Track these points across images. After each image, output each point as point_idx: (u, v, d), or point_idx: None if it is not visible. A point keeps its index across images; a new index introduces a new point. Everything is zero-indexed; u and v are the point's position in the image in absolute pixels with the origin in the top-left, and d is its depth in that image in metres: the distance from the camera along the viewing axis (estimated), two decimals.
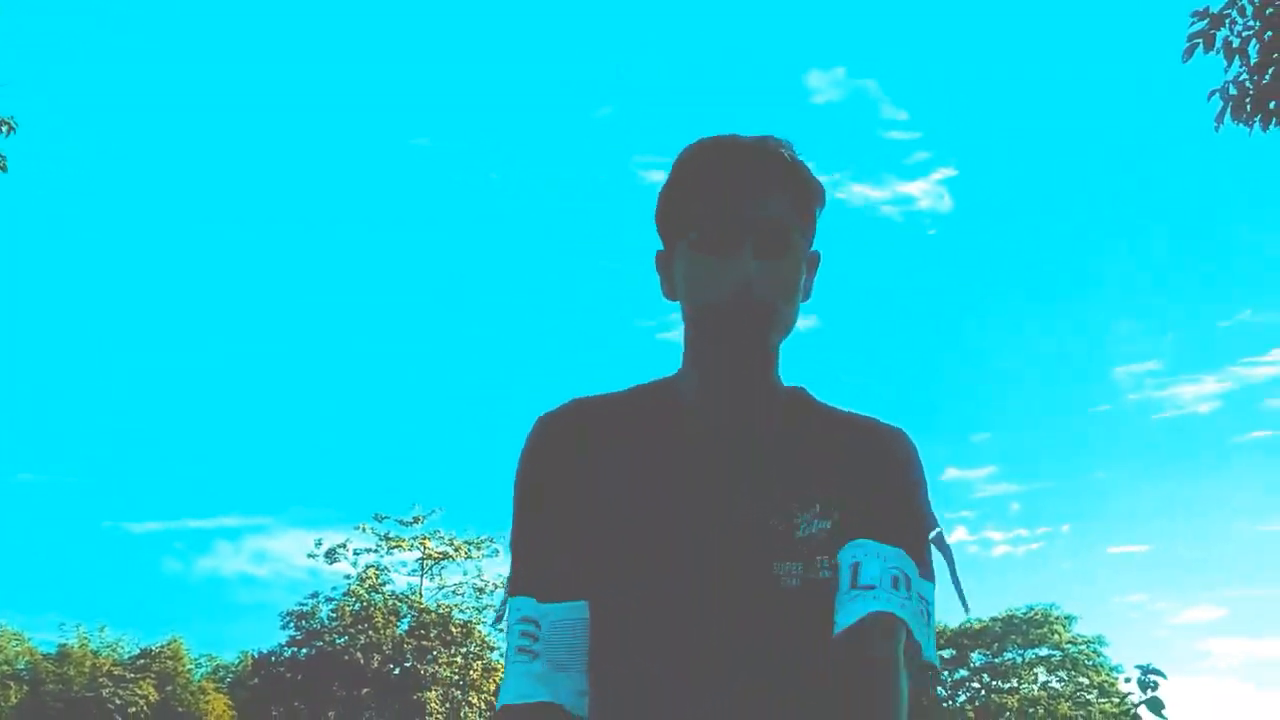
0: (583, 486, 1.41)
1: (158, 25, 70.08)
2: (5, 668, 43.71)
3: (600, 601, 1.38)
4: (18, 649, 44.75)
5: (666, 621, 1.35)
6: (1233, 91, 7.17)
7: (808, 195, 1.43)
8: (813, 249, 1.47)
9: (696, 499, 1.38)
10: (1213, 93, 7.24)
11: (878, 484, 1.42)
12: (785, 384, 1.48)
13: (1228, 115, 7.19)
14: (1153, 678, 5.82)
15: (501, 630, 1.45)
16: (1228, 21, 7.14)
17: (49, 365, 65.98)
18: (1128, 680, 5.90)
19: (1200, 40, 7.17)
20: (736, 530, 1.37)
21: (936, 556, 1.44)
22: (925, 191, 66.69)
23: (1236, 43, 7.12)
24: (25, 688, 42.92)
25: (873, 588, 1.34)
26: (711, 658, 1.33)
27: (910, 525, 1.42)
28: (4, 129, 8.00)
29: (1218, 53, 7.16)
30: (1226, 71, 7.18)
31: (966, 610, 1.49)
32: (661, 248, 1.49)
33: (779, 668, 1.34)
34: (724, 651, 1.34)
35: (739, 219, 1.37)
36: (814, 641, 1.35)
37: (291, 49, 70.22)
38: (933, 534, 1.44)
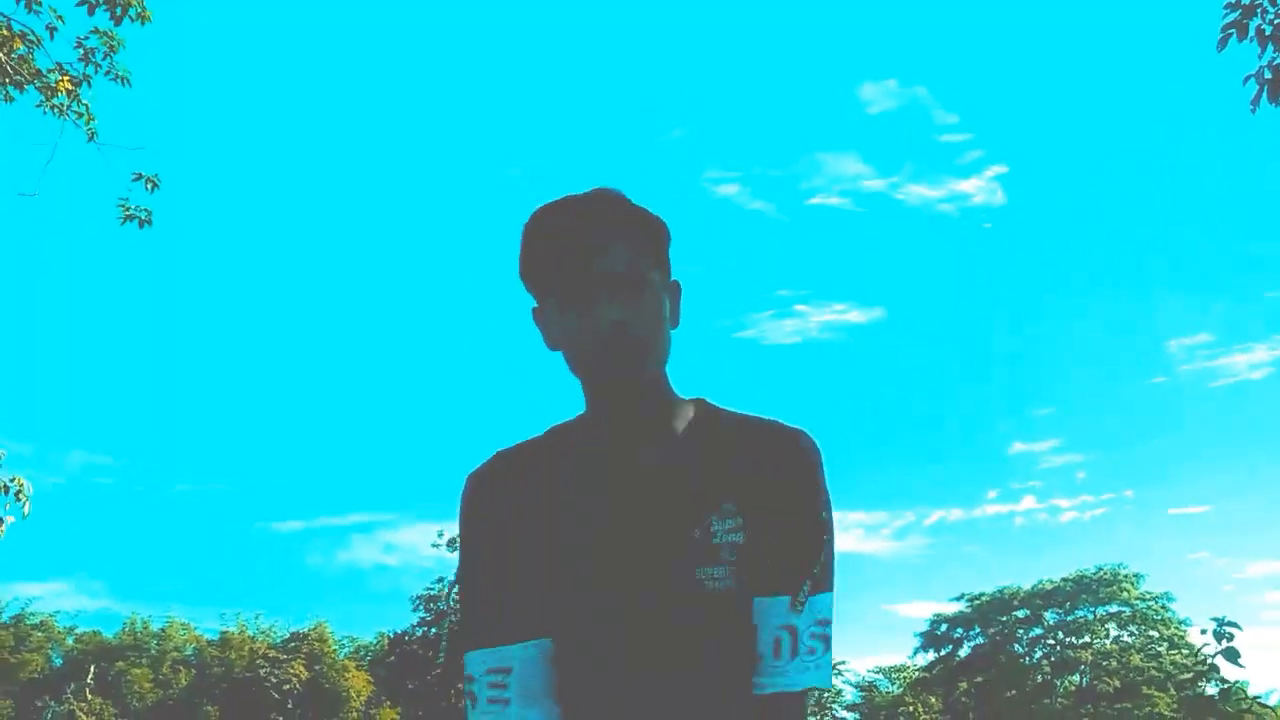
0: (516, 532, 1.42)
1: (267, 66, 71.89)
2: (175, 653, 45.20)
3: (557, 632, 1.38)
4: (185, 637, 46.24)
5: (612, 638, 1.36)
6: (1268, 75, 6.91)
7: (650, 234, 1.44)
8: (671, 279, 1.48)
9: (619, 523, 1.38)
10: (1248, 77, 6.99)
11: (781, 494, 1.41)
12: (686, 396, 1.49)
13: (1264, 98, 6.94)
14: (1228, 629, 5.63)
15: (461, 685, 1.45)
16: (1259, 10, 6.90)
17: (195, 391, 68.20)
18: (1203, 632, 5.71)
19: (1234, 29, 6.93)
20: (660, 544, 1.37)
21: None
22: (979, 188, 65.34)
23: (1269, 30, 6.87)
24: (193, 670, 44.37)
25: (760, 660, 1.37)
26: (653, 662, 1.35)
27: (799, 546, 1.41)
28: (149, 185, 8.29)
29: (1251, 40, 6.91)
30: (1260, 57, 6.93)
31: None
32: (534, 304, 1.48)
33: (715, 664, 1.36)
34: (664, 654, 1.35)
35: (591, 273, 1.37)
36: (736, 643, 1.38)
37: (401, 92, 71.48)
38: (824, 538, 1.42)
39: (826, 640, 1.39)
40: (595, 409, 1.46)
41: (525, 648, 1.37)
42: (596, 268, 1.37)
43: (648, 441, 1.43)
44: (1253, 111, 6.99)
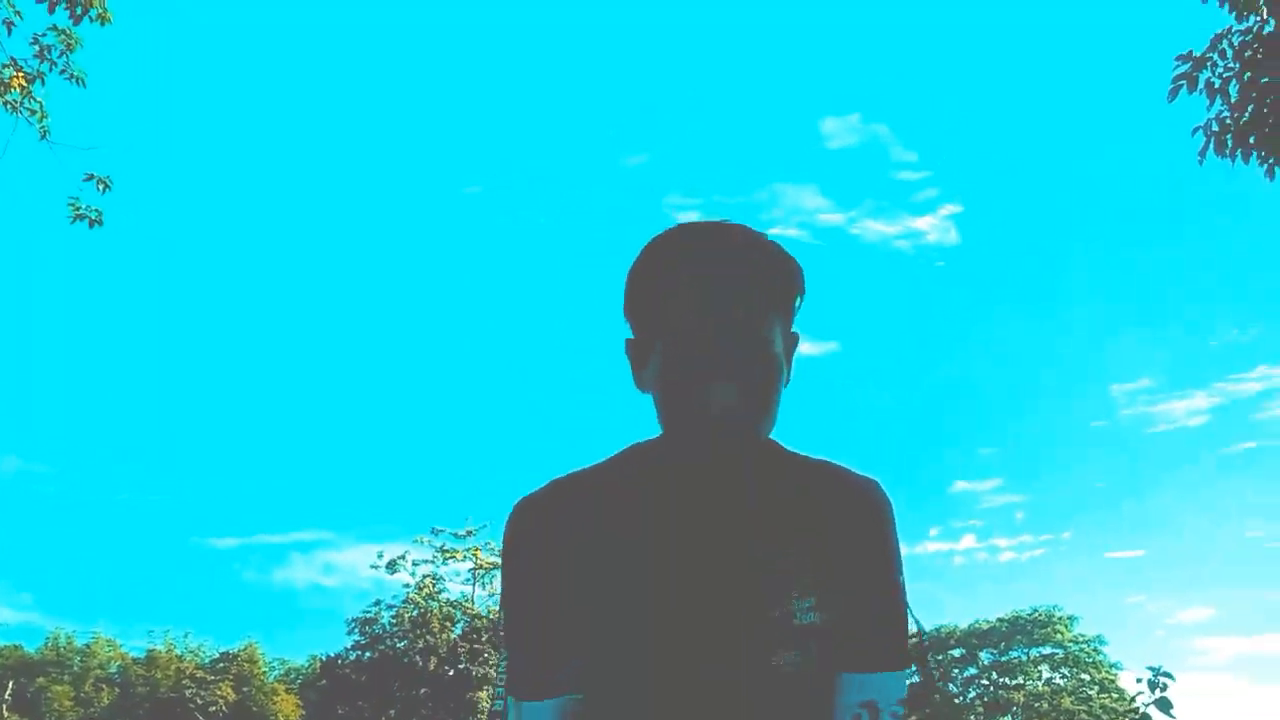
0: (564, 576, 1.28)
1: (230, 77, 71.21)
2: (99, 671, 43.98)
3: (600, 693, 1.28)
4: (110, 654, 45.06)
5: (667, 710, 1.26)
6: (1215, 128, 7.10)
7: (788, 287, 1.27)
8: (792, 330, 1.31)
9: (690, 587, 1.27)
10: (1196, 129, 7.17)
11: (859, 557, 1.33)
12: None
13: (1210, 149, 7.13)
14: (1162, 679, 5.74)
15: None
16: (1209, 64, 7.10)
17: (140, 400, 66.81)
18: (1138, 680, 5.80)
19: (1184, 81, 7.12)
20: (736, 621, 1.27)
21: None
22: (934, 226, 66.60)
23: (1218, 83, 7.06)
24: (117, 689, 43.14)
25: None
26: None
27: (881, 619, 1.34)
28: (101, 186, 8.14)
29: (1200, 92, 7.10)
30: (1209, 109, 7.12)
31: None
32: (632, 336, 1.32)
33: None
34: None
35: (712, 332, 1.21)
36: (815, 717, 1.31)
37: (361, 109, 71.12)
38: (905, 609, 1.36)
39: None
40: (674, 449, 1.29)
41: (555, 704, 1.29)
42: (719, 327, 1.20)
43: (733, 498, 1.30)
44: (1200, 163, 7.18)
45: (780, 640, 1.27)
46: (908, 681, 1.33)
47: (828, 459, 1.39)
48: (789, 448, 1.38)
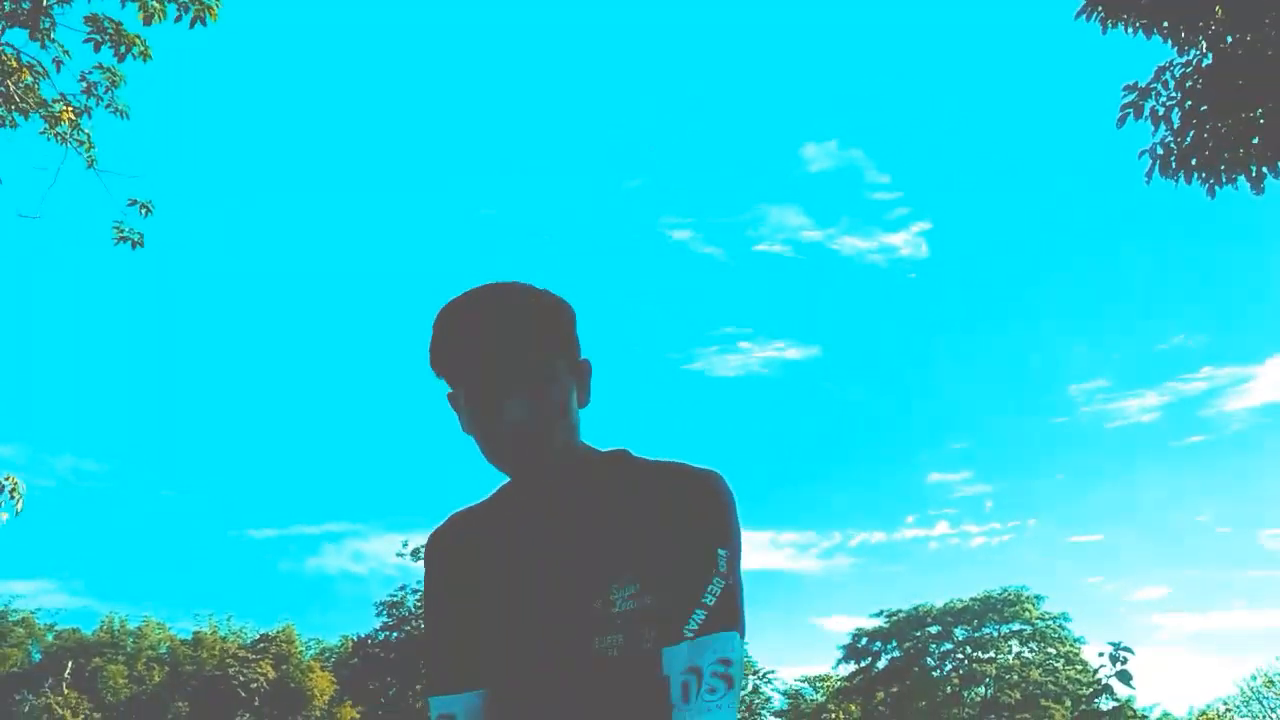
0: (461, 589, 1.44)
1: (259, 107, 71.40)
2: (150, 651, 43.94)
3: (490, 688, 1.40)
4: (160, 636, 45.00)
5: (519, 700, 1.37)
6: (1160, 152, 7.10)
7: (554, 324, 1.36)
8: (581, 359, 1.41)
9: (531, 589, 1.38)
10: (1142, 152, 7.18)
11: (679, 538, 1.33)
12: (601, 451, 1.44)
13: (1156, 171, 7.13)
14: (1123, 654, 5.74)
15: None
16: (1154, 93, 7.09)
17: (184, 403, 66.90)
18: (1100, 655, 5.81)
19: (1131, 109, 7.12)
20: (562, 613, 1.35)
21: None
22: (906, 241, 66.30)
23: (1161, 111, 7.06)
24: (166, 668, 43.14)
25: (674, 707, 1.26)
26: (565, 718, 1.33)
27: (700, 583, 1.31)
28: (143, 210, 8.15)
29: (1146, 119, 7.10)
30: (1154, 135, 7.12)
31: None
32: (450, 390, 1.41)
33: None
34: (571, 714, 1.33)
35: (495, 375, 1.31)
36: (636, 707, 1.29)
37: (381, 131, 71.27)
38: (718, 572, 1.32)
39: (729, 680, 1.26)
40: (507, 488, 1.47)
41: (466, 698, 1.40)
42: (500, 368, 1.31)
43: (556, 514, 1.40)
44: (1146, 183, 7.18)
45: (600, 626, 1.32)
46: (732, 642, 1.29)
47: (675, 460, 1.42)
48: (639, 455, 1.44)
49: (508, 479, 1.44)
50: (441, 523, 1.51)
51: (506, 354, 1.31)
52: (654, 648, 1.31)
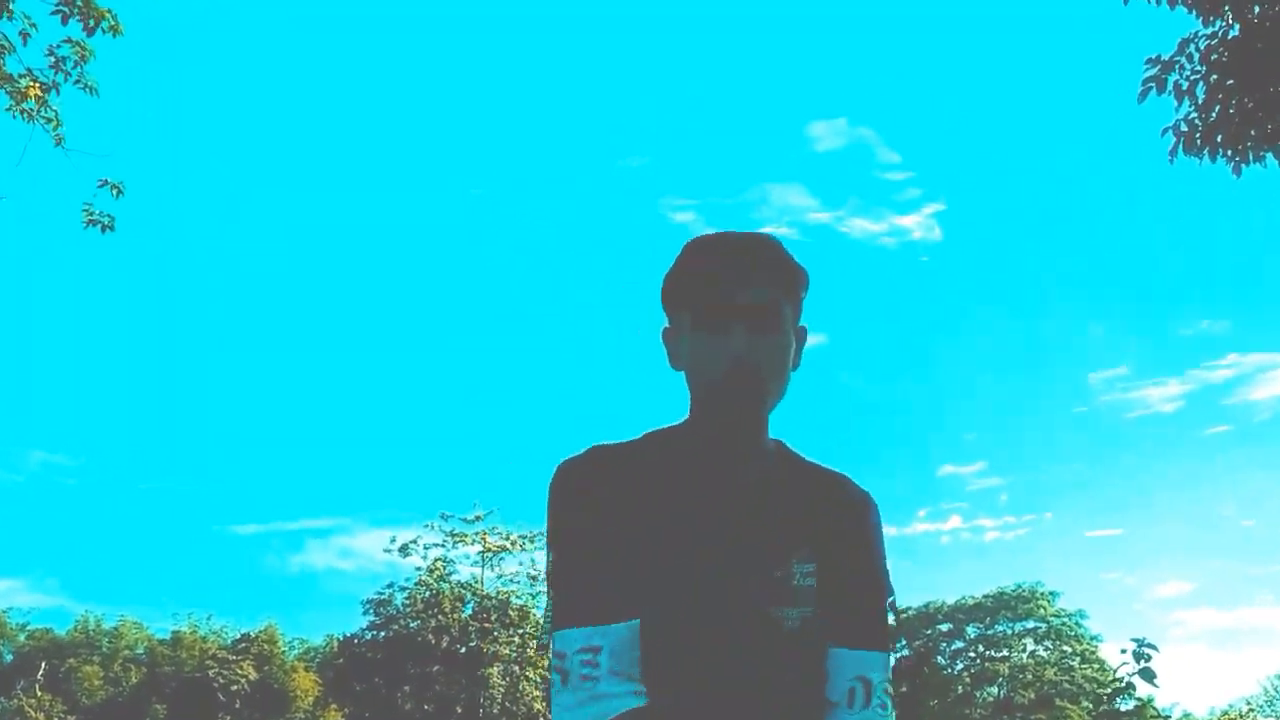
0: (611, 519, 1.37)
1: (238, 84, 71.10)
2: (127, 652, 44.13)
3: (647, 617, 1.35)
4: (137, 636, 45.19)
5: (686, 644, 1.35)
6: (1183, 128, 7.07)
7: (793, 280, 1.42)
8: (800, 324, 1.46)
9: (710, 545, 1.37)
10: (1165, 129, 7.14)
11: (853, 549, 1.45)
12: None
13: (1180, 149, 7.10)
14: (1146, 650, 5.77)
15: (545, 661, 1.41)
16: (1177, 66, 7.06)
17: (161, 393, 66.87)
18: (1123, 651, 5.84)
19: (1154, 84, 7.09)
20: (746, 576, 1.37)
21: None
22: (918, 224, 66.57)
23: (1185, 85, 7.03)
24: (144, 669, 43.28)
25: (835, 706, 1.40)
26: (730, 685, 1.35)
27: (873, 606, 1.46)
28: (114, 192, 8.12)
29: (1169, 94, 7.07)
30: (1177, 110, 7.09)
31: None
32: (667, 324, 1.47)
33: (783, 698, 1.37)
34: (740, 680, 1.35)
35: (732, 301, 1.36)
36: (809, 675, 1.40)
37: (368, 108, 70.98)
38: (889, 600, 1.48)
39: (891, 698, 1.42)
40: (700, 424, 1.44)
41: (617, 628, 1.32)
42: (740, 299, 1.36)
43: (741, 471, 1.42)
44: (1170, 162, 7.15)
45: (779, 596, 1.37)
46: (891, 665, 1.45)
47: (832, 467, 1.52)
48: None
49: (655, 428, 1.47)
50: (578, 454, 1.44)
51: (749, 286, 1.37)
52: (823, 637, 1.41)
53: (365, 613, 36.86)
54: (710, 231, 1.45)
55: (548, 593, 1.42)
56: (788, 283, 1.41)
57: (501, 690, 34.37)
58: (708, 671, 1.35)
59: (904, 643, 43.88)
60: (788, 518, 1.42)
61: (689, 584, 1.36)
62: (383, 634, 36.22)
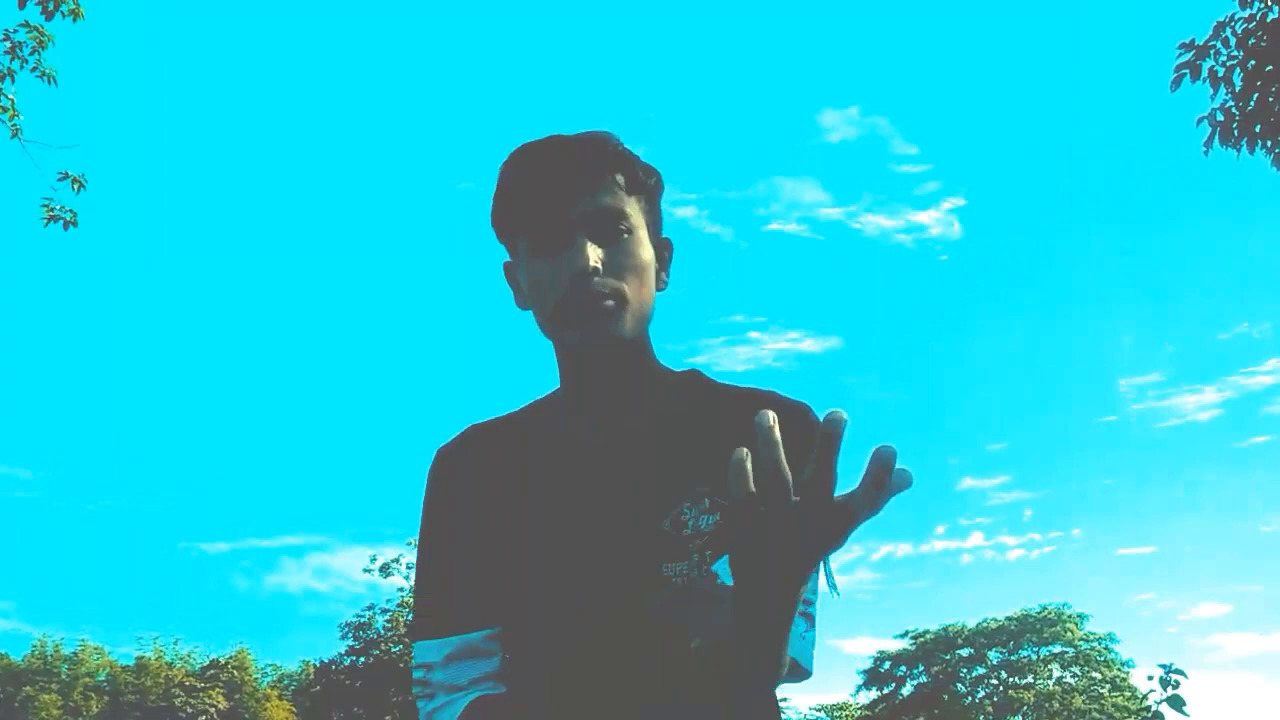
0: (474, 513, 1.31)
1: (215, 73, 71.14)
2: (87, 679, 44.00)
3: (506, 623, 1.28)
4: (99, 662, 45.07)
5: (565, 638, 1.25)
6: (1219, 118, 7.10)
7: (639, 180, 1.29)
8: (663, 235, 1.35)
9: (583, 509, 1.27)
10: (1200, 119, 7.17)
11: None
12: (674, 370, 1.36)
13: (1215, 140, 7.12)
14: (1174, 677, 5.78)
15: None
16: (1212, 52, 7.08)
17: (126, 402, 66.84)
18: (1150, 678, 5.86)
19: (1187, 70, 7.11)
20: (624, 536, 1.25)
21: None
22: (936, 220, 66.55)
23: (1221, 72, 7.05)
24: (105, 698, 43.19)
25: None
26: (608, 664, 1.23)
27: None
28: (75, 186, 8.11)
29: (1204, 81, 7.09)
30: (1212, 99, 7.12)
31: (834, 593, 1.27)
32: (507, 258, 1.36)
33: (672, 665, 1.22)
34: (620, 656, 1.23)
35: (569, 212, 1.24)
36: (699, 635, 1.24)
37: (350, 105, 71.06)
38: None
39: (810, 618, 1.27)
40: (564, 376, 1.33)
41: (460, 640, 1.28)
42: (576, 208, 1.24)
43: (619, 415, 1.31)
44: (1205, 153, 7.18)
45: (670, 551, 1.24)
46: (814, 580, 1.26)
47: (759, 387, 1.36)
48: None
49: (541, 394, 1.37)
50: (451, 438, 1.38)
51: (585, 192, 1.25)
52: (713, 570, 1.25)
53: (343, 637, 36.86)
54: (537, 139, 1.31)
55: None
56: (634, 185, 1.29)
57: None
58: (577, 666, 1.24)
59: (921, 669, 43.91)
60: (680, 457, 1.27)
61: (550, 569, 1.26)
62: (362, 659, 36.18)
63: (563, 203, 1.24)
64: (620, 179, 1.28)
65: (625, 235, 1.26)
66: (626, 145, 1.32)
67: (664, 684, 1.22)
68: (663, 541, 1.24)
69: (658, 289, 1.31)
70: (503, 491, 1.32)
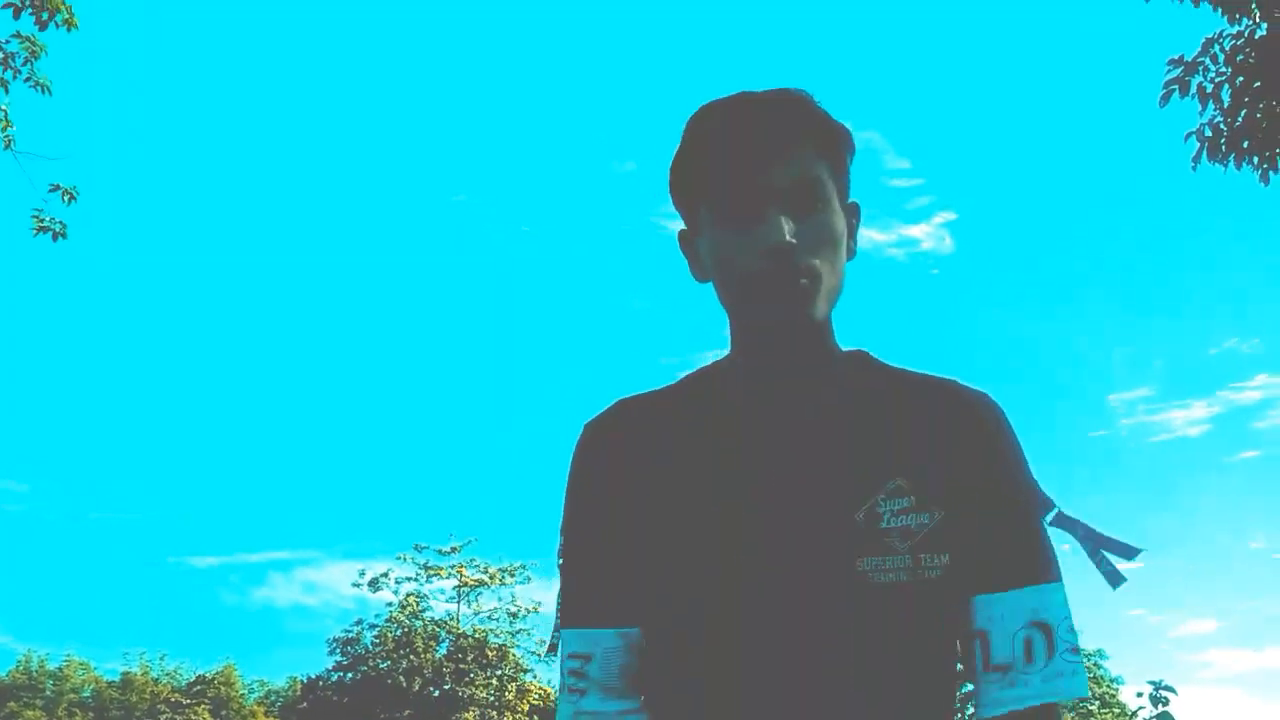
0: (632, 499, 1.21)
1: (209, 84, 71.21)
2: (72, 695, 43.67)
3: (658, 623, 1.19)
4: (84, 677, 44.75)
5: (734, 641, 1.13)
6: (1208, 133, 7.15)
7: (835, 143, 1.21)
8: (850, 199, 1.25)
9: (765, 496, 1.16)
10: (1189, 135, 7.23)
11: (975, 464, 1.19)
12: (843, 349, 1.26)
13: (1204, 155, 7.18)
14: (1164, 693, 5.80)
15: (547, 658, 1.28)
16: (1201, 68, 7.15)
17: (113, 414, 66.56)
18: (1140, 695, 5.87)
19: (1176, 86, 7.17)
20: (815, 528, 1.14)
21: (1055, 534, 1.21)
22: (928, 234, 66.56)
23: (1209, 88, 7.12)
24: (91, 714, 42.86)
25: (1009, 668, 1.14)
26: (794, 672, 1.12)
27: (1024, 529, 1.19)
28: (66, 197, 8.12)
29: (1192, 97, 7.15)
30: (1201, 115, 7.18)
31: (1115, 584, 1.21)
32: (683, 226, 1.27)
33: (873, 673, 1.12)
34: (809, 663, 1.12)
35: (762, 181, 1.14)
36: (915, 643, 1.15)
37: (344, 115, 71.15)
38: (1050, 517, 1.21)
39: (1074, 645, 1.16)
40: (742, 352, 1.23)
41: (606, 634, 1.20)
42: (767, 178, 1.15)
43: (803, 398, 1.20)
44: (1193, 169, 7.24)
45: (866, 545, 1.13)
46: (1066, 597, 1.18)
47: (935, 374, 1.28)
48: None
49: (690, 370, 1.29)
50: (601, 412, 1.29)
51: (778, 159, 1.15)
52: (943, 582, 1.15)
53: (331, 652, 36.63)
54: (724, 96, 1.21)
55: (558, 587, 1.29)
56: (830, 148, 1.20)
57: None
58: (747, 675, 1.12)
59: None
60: (872, 445, 1.18)
61: (719, 568, 1.15)
62: (350, 675, 35.97)
63: (754, 171, 1.15)
64: (815, 144, 1.19)
65: (819, 207, 1.17)
66: (820, 104, 1.23)
67: (866, 698, 1.12)
68: (858, 535, 1.14)
69: (847, 258, 1.23)
70: (664, 473, 1.21)
